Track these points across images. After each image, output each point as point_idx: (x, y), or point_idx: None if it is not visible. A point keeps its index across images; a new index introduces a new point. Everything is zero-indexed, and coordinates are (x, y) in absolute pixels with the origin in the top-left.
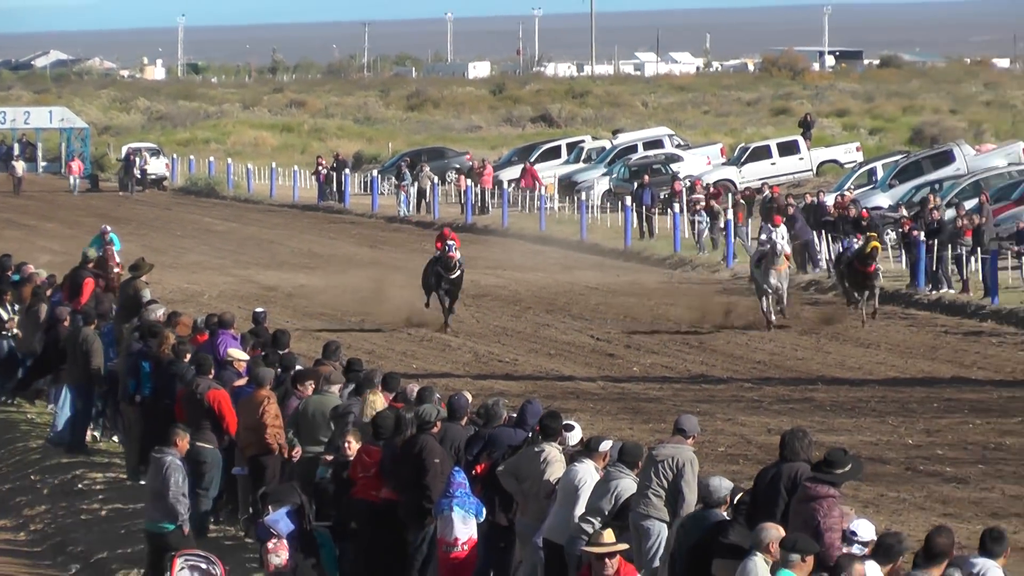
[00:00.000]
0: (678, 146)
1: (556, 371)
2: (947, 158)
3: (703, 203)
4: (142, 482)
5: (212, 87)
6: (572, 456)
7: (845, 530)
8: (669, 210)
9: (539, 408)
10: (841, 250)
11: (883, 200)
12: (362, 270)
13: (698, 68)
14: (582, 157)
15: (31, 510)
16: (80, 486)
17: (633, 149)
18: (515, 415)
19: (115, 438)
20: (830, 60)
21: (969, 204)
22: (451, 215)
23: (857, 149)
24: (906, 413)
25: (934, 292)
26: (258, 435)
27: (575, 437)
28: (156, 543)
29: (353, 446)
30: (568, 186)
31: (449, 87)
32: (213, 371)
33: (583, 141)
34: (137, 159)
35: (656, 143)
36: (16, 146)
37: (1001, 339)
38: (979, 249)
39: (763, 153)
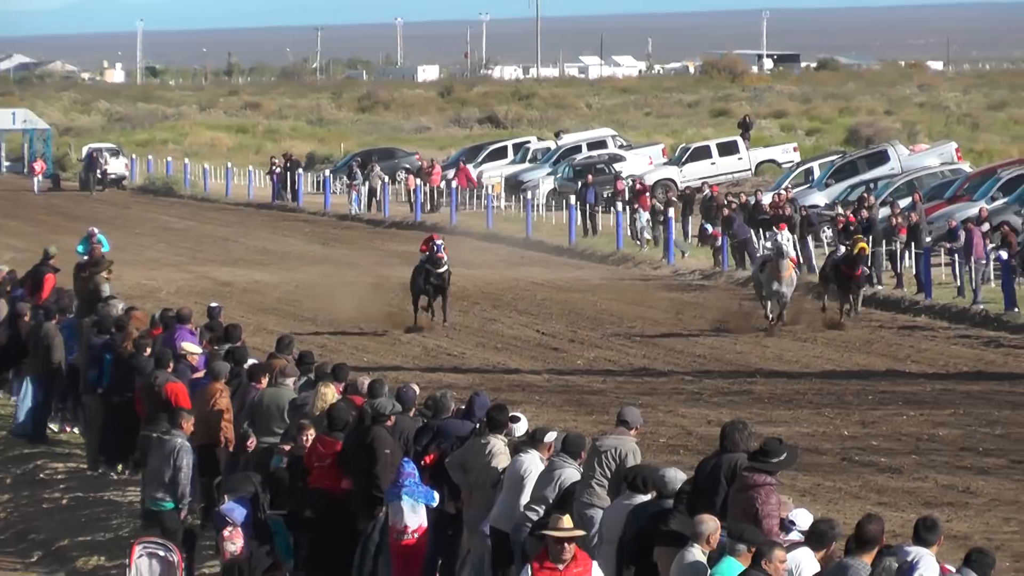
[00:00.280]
0: (621, 146)
1: (503, 364)
2: (882, 158)
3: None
4: (100, 471)
5: (170, 90)
6: (518, 447)
7: (784, 519)
8: (612, 208)
9: (486, 400)
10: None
11: (820, 199)
12: (314, 267)
13: (640, 71)
14: (528, 157)
15: None
16: (42, 476)
17: (577, 149)
18: (463, 407)
19: (76, 429)
20: (768, 63)
21: (903, 203)
22: (401, 213)
23: (794, 149)
24: (842, 405)
25: (869, 288)
26: (208, 426)
27: (521, 428)
28: (153, 521)
29: (310, 438)
30: (514, 185)
31: (399, 89)
32: (172, 364)
33: (529, 142)
34: (99, 159)
35: (600, 144)
36: None
37: (934, 334)
38: (913, 246)
39: (703, 153)
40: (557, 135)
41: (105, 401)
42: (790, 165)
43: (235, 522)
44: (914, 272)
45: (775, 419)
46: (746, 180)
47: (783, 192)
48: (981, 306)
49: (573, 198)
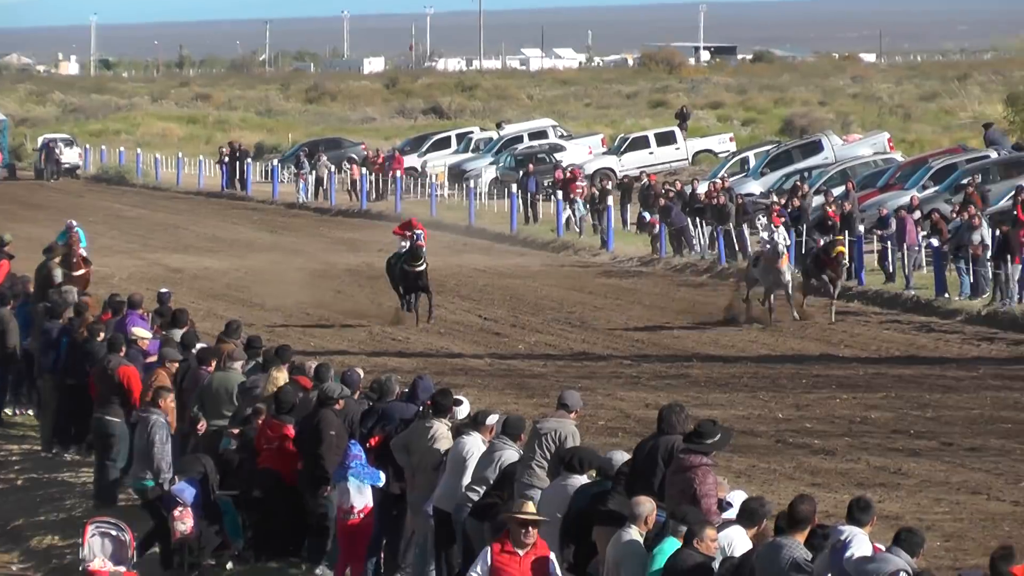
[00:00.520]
0: (561, 136)
1: (446, 349)
2: (816, 147)
3: (581, 190)
4: (54, 452)
5: (123, 81)
6: (460, 429)
7: (721, 500)
8: (552, 197)
9: (430, 384)
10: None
11: (755, 187)
12: (263, 254)
13: (580, 63)
14: (471, 147)
15: None
16: None
17: (519, 139)
18: (407, 390)
19: (30, 412)
20: (705, 55)
21: (837, 191)
22: (347, 202)
23: (731, 139)
24: (776, 389)
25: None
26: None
27: (463, 411)
28: (140, 498)
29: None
30: (457, 174)
31: (345, 81)
32: (124, 349)
33: (472, 132)
34: (55, 148)
35: (540, 134)
36: None
37: (867, 319)
38: (846, 233)
39: (642, 143)
40: (499, 125)
41: (59, 384)
42: (726, 154)
43: (185, 502)
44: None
45: (711, 402)
46: (683, 169)
47: (719, 181)
48: (913, 292)
49: (515, 187)
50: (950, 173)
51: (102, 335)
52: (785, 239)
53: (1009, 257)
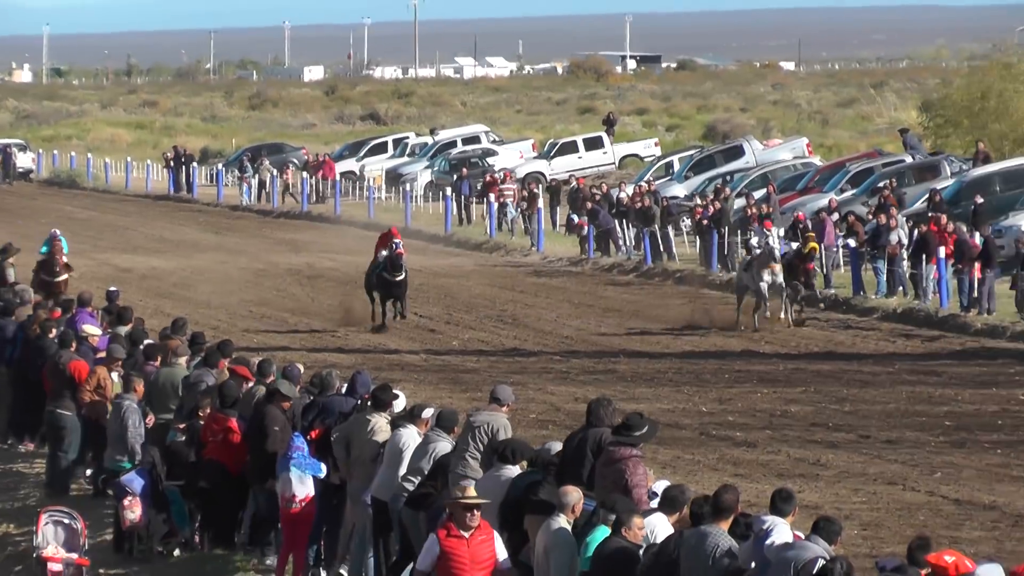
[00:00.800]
0: (494, 142)
1: (383, 345)
2: (738, 152)
3: (508, 193)
4: (9, 443)
5: (73, 89)
6: (396, 422)
7: (649, 489)
8: (485, 200)
9: (368, 379)
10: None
11: (679, 190)
12: (208, 254)
13: (512, 71)
14: (407, 152)
15: None
16: None
17: (453, 145)
18: (346, 385)
19: None
20: (631, 64)
21: (758, 194)
22: (288, 204)
23: (656, 144)
24: (700, 383)
25: (725, 274)
26: (99, 405)
27: (400, 405)
28: (153, 474)
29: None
30: (394, 178)
31: (286, 89)
32: (75, 345)
33: (408, 137)
34: (10, 153)
35: (474, 139)
36: None
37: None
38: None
39: (571, 148)
40: (432, 131)
41: (14, 379)
42: (652, 159)
43: (134, 492)
44: None
45: (638, 396)
46: (610, 173)
47: (644, 184)
48: (831, 290)
49: (449, 190)
50: (867, 177)
51: (54, 332)
52: (777, 243)
53: (925, 257)
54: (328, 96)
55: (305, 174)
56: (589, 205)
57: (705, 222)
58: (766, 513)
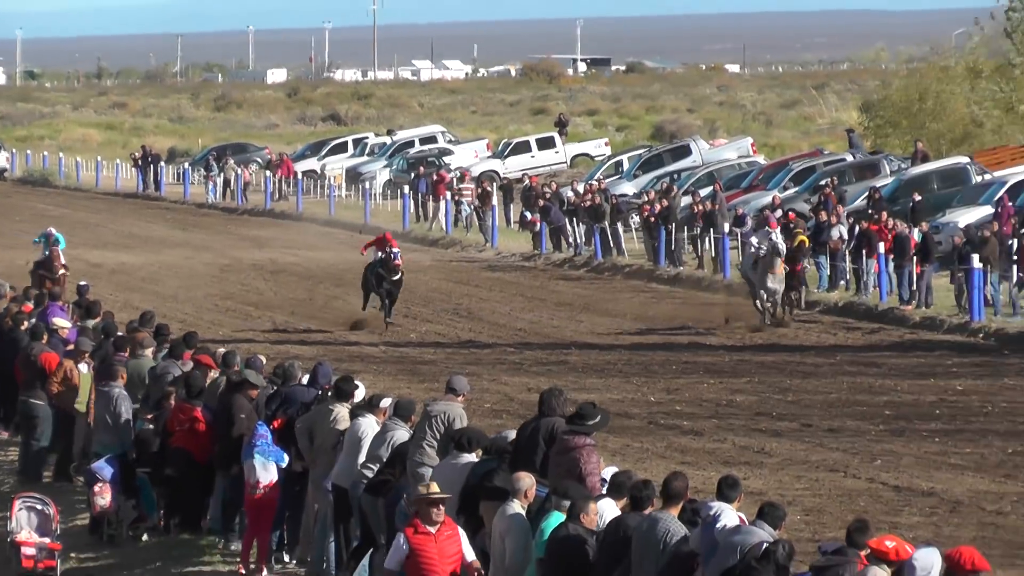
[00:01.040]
0: (450, 142)
1: (343, 337)
2: (685, 151)
3: (469, 193)
4: None
5: (46, 91)
6: (355, 411)
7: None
8: (431, 198)
9: (329, 370)
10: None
11: (629, 188)
12: (175, 249)
13: (467, 74)
14: (366, 151)
15: None
16: None
17: (410, 144)
18: (308, 375)
19: None
20: (582, 67)
21: (704, 192)
22: (253, 201)
23: (606, 144)
24: (648, 374)
25: (673, 269)
26: (68, 395)
27: (359, 394)
28: (123, 461)
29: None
30: (354, 176)
31: (251, 91)
32: (46, 337)
33: (367, 137)
34: None
35: (430, 139)
36: None
37: (731, 309)
38: (712, 231)
39: (524, 147)
40: (390, 132)
41: None
42: (602, 158)
43: (104, 479)
44: (712, 254)
45: (588, 387)
46: (562, 172)
47: (594, 183)
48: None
49: (407, 188)
50: (809, 175)
51: (26, 324)
52: (782, 242)
53: (866, 252)
54: (290, 98)
55: (268, 173)
56: (541, 203)
57: (653, 219)
58: (713, 499)
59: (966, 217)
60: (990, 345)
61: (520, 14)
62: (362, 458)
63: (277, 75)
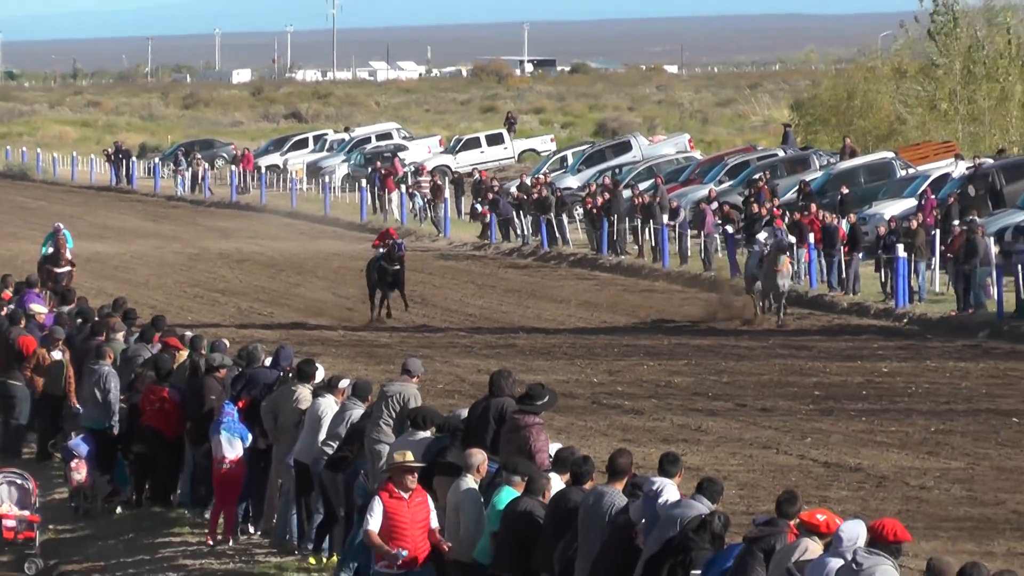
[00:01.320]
0: (404, 138)
1: (305, 322)
2: (626, 147)
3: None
4: None
5: (25, 91)
6: (315, 391)
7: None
8: (391, 190)
9: (290, 353)
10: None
11: (573, 182)
12: (146, 240)
13: (421, 74)
14: (326, 147)
15: None
16: None
17: (367, 140)
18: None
19: None
20: (529, 67)
21: (644, 185)
22: (220, 194)
23: (552, 140)
24: (592, 356)
25: (615, 258)
26: (49, 379)
27: (319, 376)
28: (99, 438)
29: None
30: (314, 171)
31: (217, 90)
32: (24, 322)
33: (327, 134)
34: None
35: (386, 135)
36: None
37: (670, 296)
38: (652, 222)
39: (474, 143)
40: (347, 129)
41: None
42: (548, 153)
43: (81, 455)
44: (653, 244)
45: (535, 368)
46: (510, 166)
47: (541, 176)
48: (712, 273)
49: (364, 181)
50: (743, 169)
51: (4, 310)
52: (788, 239)
53: (796, 242)
54: (255, 97)
55: (233, 167)
56: (491, 195)
57: (596, 211)
58: (654, 475)
59: (891, 209)
60: (913, 330)
61: (471, 18)
62: (322, 436)
63: (242, 75)
